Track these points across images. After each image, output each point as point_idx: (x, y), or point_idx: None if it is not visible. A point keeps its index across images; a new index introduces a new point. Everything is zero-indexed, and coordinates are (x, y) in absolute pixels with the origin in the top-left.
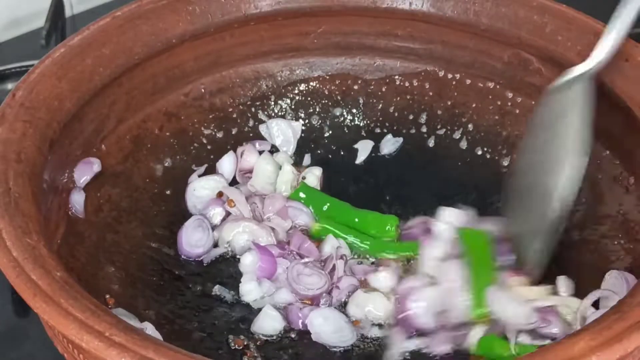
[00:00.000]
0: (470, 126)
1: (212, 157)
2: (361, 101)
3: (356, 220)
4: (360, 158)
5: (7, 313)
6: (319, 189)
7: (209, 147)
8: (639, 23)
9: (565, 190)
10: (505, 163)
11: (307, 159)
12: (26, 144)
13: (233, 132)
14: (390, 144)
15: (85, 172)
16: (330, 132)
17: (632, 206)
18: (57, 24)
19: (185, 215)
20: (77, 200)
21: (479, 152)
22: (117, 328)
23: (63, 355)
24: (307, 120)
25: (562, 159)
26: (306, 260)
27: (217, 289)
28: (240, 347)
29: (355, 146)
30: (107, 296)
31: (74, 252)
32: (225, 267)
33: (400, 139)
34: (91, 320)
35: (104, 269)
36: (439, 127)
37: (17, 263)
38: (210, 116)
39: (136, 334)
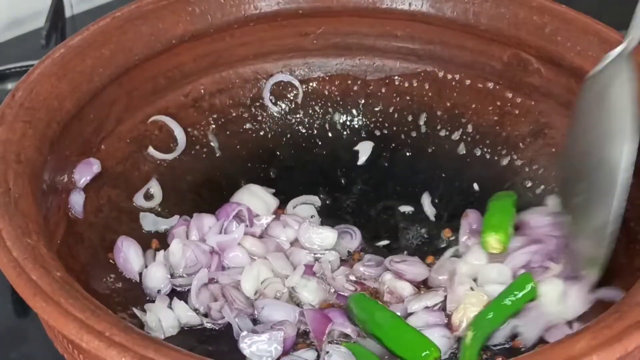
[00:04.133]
0: (469, 127)
1: (210, 158)
2: (361, 102)
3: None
4: (362, 159)
5: (7, 313)
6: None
7: (208, 147)
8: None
9: (626, 170)
10: (505, 163)
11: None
12: (26, 145)
13: (232, 133)
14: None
15: (85, 172)
16: (330, 133)
17: (632, 206)
18: (57, 24)
19: None
20: (77, 200)
21: (479, 153)
22: (117, 328)
23: (63, 356)
24: (306, 121)
25: (616, 138)
26: None
27: None
28: None
29: (356, 148)
30: None
31: (74, 253)
32: None
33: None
34: (91, 320)
35: (103, 269)
36: (438, 127)
37: (17, 263)
38: (210, 117)
39: (136, 333)
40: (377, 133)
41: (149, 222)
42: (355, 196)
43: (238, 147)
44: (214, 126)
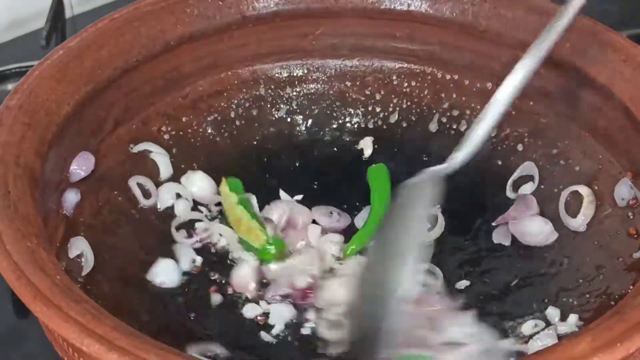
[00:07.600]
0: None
1: (210, 159)
2: (360, 103)
3: None
4: (367, 152)
5: (8, 313)
6: None
7: (207, 149)
8: (639, 24)
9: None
10: (504, 163)
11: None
12: (25, 147)
13: (231, 134)
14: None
15: (81, 165)
16: (330, 134)
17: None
18: (57, 24)
19: None
20: (70, 198)
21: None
22: (118, 331)
23: (63, 358)
24: (305, 122)
25: (403, 255)
26: None
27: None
28: None
29: (359, 147)
30: None
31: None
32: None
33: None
34: (92, 324)
35: (103, 271)
36: (437, 128)
37: (17, 266)
38: (209, 118)
39: (137, 337)
40: (376, 134)
41: None
42: (363, 196)
43: (237, 148)
44: (212, 127)
